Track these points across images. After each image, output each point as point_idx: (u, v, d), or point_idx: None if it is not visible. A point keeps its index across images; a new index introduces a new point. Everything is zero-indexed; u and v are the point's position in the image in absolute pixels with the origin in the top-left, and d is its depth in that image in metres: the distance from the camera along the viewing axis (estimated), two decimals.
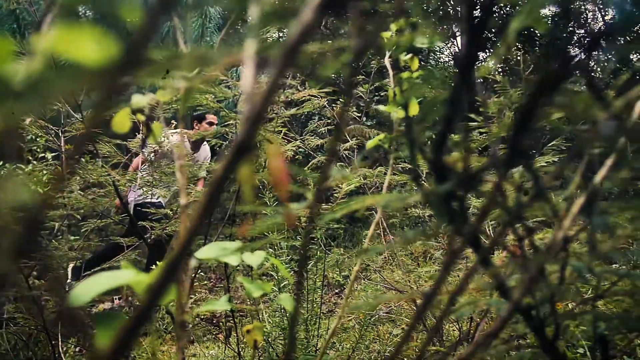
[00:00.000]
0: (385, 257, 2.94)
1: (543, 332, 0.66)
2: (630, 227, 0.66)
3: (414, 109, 0.56)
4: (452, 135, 0.45)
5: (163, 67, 0.26)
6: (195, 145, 3.38)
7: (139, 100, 0.68)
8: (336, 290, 3.33)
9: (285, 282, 1.68)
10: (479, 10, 0.39)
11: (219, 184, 0.30)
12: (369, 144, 0.97)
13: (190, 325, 2.63)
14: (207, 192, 0.30)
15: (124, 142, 1.58)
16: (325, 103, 2.19)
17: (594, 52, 0.30)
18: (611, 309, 1.19)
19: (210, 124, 3.24)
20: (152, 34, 0.21)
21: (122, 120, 0.72)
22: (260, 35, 0.35)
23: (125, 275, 0.50)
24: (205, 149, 3.53)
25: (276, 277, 1.78)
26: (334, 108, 2.84)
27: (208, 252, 0.83)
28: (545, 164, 1.65)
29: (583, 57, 0.29)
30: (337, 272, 3.44)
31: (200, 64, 0.28)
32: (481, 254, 0.54)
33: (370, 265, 2.73)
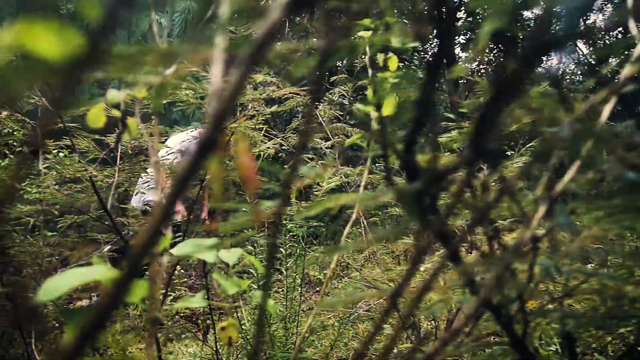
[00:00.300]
0: (367, 256, 2.96)
1: (512, 329, 0.67)
2: (596, 228, 0.67)
3: (388, 109, 0.57)
4: (423, 134, 0.46)
5: (127, 63, 0.26)
6: None
7: (115, 95, 0.68)
8: (317, 288, 3.34)
9: (264, 280, 1.68)
10: (447, 12, 0.39)
11: (182, 181, 0.30)
12: (347, 143, 0.98)
13: (169, 323, 2.61)
14: (170, 189, 0.30)
15: (103, 137, 1.56)
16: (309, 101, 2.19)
17: (553, 56, 0.30)
18: (584, 307, 1.22)
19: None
20: (111, 29, 0.21)
21: (96, 116, 0.72)
22: (230, 31, 0.35)
23: (96, 271, 0.50)
24: None
25: (256, 275, 1.77)
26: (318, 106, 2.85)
27: (183, 248, 0.83)
28: (522, 165, 1.68)
29: (539, 60, 0.30)
30: (319, 270, 3.45)
31: (166, 60, 0.28)
32: (450, 251, 0.55)
33: (350, 263, 2.74)
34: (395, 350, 1.60)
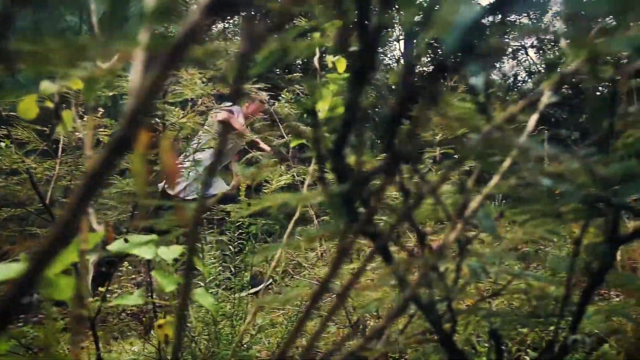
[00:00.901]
0: (319, 254, 2.98)
1: (441, 327, 0.70)
2: (522, 231, 0.71)
3: (322, 111, 0.58)
4: (353, 137, 0.47)
5: (33, 59, 0.26)
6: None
7: (48, 86, 0.66)
8: (268, 287, 3.33)
9: (211, 277, 1.67)
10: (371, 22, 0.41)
11: (94, 178, 0.30)
12: (292, 143, 0.99)
13: (114, 321, 2.54)
14: (80, 187, 0.30)
15: (44, 129, 1.51)
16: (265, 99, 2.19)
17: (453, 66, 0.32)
18: (516, 307, 1.28)
19: (261, 102, 3.20)
20: (7, 26, 0.21)
21: (28, 106, 0.69)
22: (154, 29, 0.35)
23: (14, 268, 0.48)
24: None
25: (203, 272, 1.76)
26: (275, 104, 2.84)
27: (119, 244, 0.81)
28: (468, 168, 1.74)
29: (441, 76, 0.31)
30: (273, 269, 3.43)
31: (76, 56, 0.27)
32: (380, 251, 0.57)
33: (301, 262, 2.76)
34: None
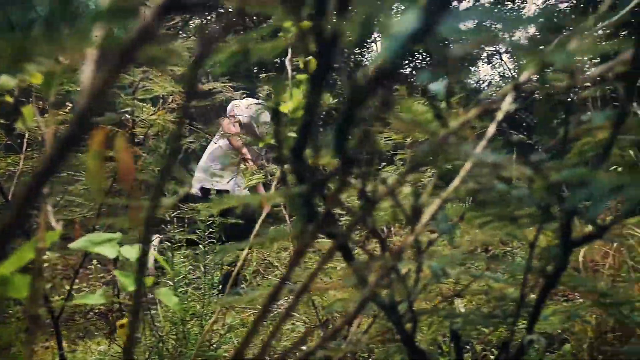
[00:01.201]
0: (291, 254, 2.98)
1: (402, 327, 0.71)
2: (481, 233, 0.73)
3: (286, 112, 0.58)
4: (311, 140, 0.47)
5: None
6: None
7: (5, 80, 0.64)
8: (242, 286, 3.32)
9: (180, 277, 1.65)
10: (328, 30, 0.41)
11: (39, 178, 0.29)
12: (261, 143, 0.99)
13: (81, 320, 2.49)
14: (25, 187, 0.29)
15: (8, 122, 1.47)
16: (237, 96, 2.18)
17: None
18: (476, 307, 1.30)
19: None
20: None
21: None
22: (107, 28, 0.35)
23: None
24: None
25: (172, 271, 1.74)
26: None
27: (81, 242, 0.80)
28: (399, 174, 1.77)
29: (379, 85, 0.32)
30: (244, 268, 3.42)
31: (21, 54, 0.27)
32: (342, 251, 0.58)
33: (272, 261, 2.75)
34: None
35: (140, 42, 0.31)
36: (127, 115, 1.51)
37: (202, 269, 1.73)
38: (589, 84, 0.59)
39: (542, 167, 0.51)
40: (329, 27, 0.38)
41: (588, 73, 0.57)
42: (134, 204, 0.38)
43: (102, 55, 0.33)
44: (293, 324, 1.85)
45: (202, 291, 1.77)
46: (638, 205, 0.53)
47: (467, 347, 1.25)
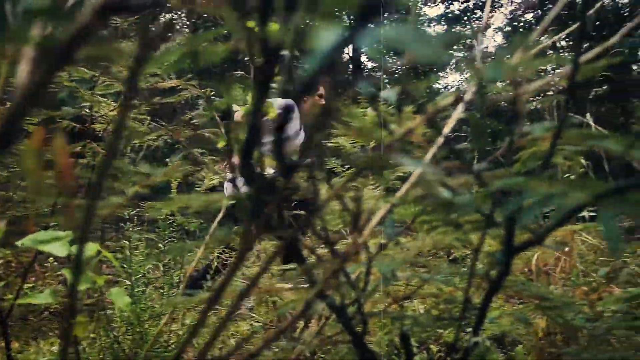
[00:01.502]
0: (255, 254, 2.97)
1: (352, 329, 0.73)
2: (430, 238, 0.75)
3: (239, 115, 0.59)
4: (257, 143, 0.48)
5: None
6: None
7: None
8: (208, 286, 3.28)
9: (138, 276, 1.63)
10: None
11: None
12: (220, 145, 0.99)
13: (34, 320, 2.42)
14: None
15: None
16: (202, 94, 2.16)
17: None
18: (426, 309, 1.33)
19: (320, 96, 2.92)
20: None
21: None
22: (45, 27, 0.35)
23: None
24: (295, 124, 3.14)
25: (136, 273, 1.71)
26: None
27: (28, 240, 0.78)
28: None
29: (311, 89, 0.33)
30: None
31: None
32: (289, 253, 0.58)
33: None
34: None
35: (78, 41, 0.31)
36: (86, 110, 1.48)
37: (162, 268, 1.71)
38: (531, 98, 0.62)
39: (482, 175, 0.53)
40: (272, 34, 0.39)
41: (530, 86, 0.60)
42: (68, 203, 0.38)
43: (39, 54, 0.33)
44: (251, 324, 1.85)
45: (162, 291, 1.74)
46: (575, 212, 0.55)
47: (419, 348, 1.28)
